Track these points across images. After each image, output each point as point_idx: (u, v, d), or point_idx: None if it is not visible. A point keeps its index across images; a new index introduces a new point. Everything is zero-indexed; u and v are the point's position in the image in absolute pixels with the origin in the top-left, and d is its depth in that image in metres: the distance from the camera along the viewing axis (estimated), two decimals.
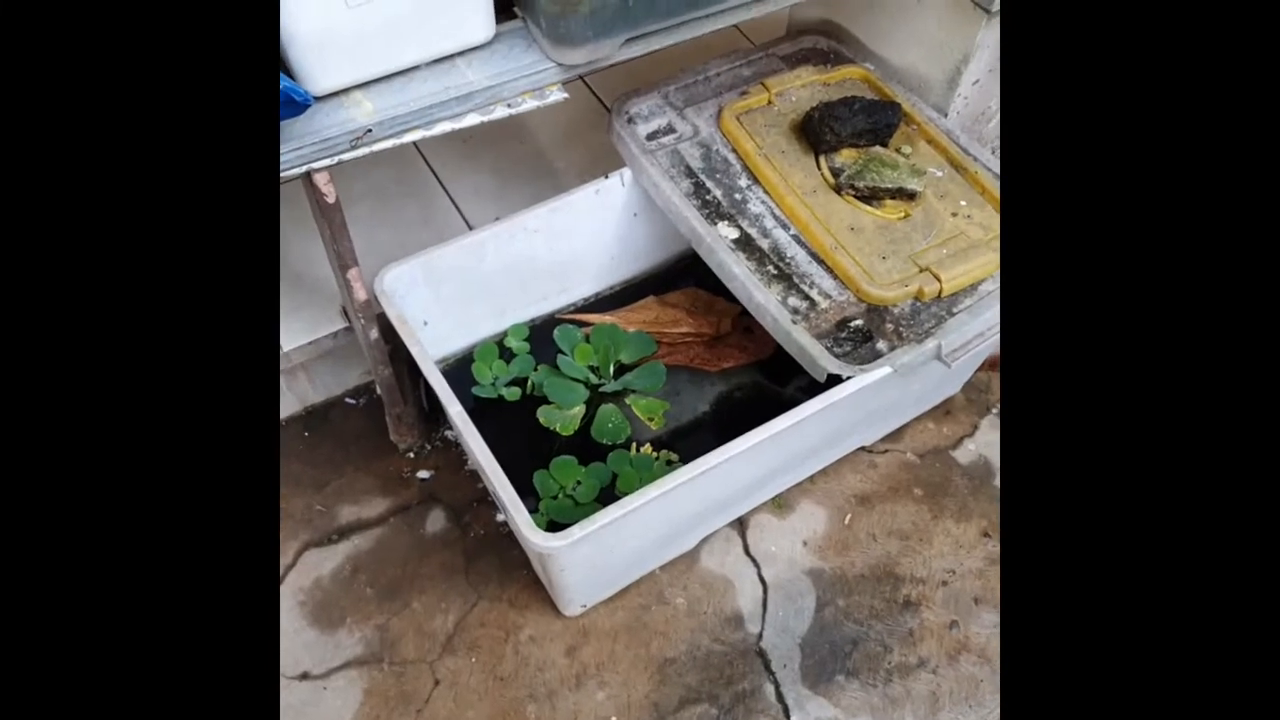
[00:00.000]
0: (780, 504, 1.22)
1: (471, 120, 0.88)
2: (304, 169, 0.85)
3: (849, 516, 1.22)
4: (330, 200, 0.90)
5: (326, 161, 0.85)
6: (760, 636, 1.13)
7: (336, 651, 1.10)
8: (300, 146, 0.83)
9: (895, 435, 1.30)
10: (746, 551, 1.19)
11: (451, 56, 0.88)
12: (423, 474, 1.24)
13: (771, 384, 1.25)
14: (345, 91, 0.85)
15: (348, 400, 1.32)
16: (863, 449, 1.28)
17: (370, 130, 0.84)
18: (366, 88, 0.86)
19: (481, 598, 1.14)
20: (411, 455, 1.26)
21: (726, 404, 1.22)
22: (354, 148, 0.85)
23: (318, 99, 0.84)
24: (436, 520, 1.21)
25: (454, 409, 0.93)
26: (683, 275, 1.31)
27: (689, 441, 1.17)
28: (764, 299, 1.02)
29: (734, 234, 1.07)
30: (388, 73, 0.86)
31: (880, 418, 1.22)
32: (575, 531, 0.86)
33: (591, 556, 0.97)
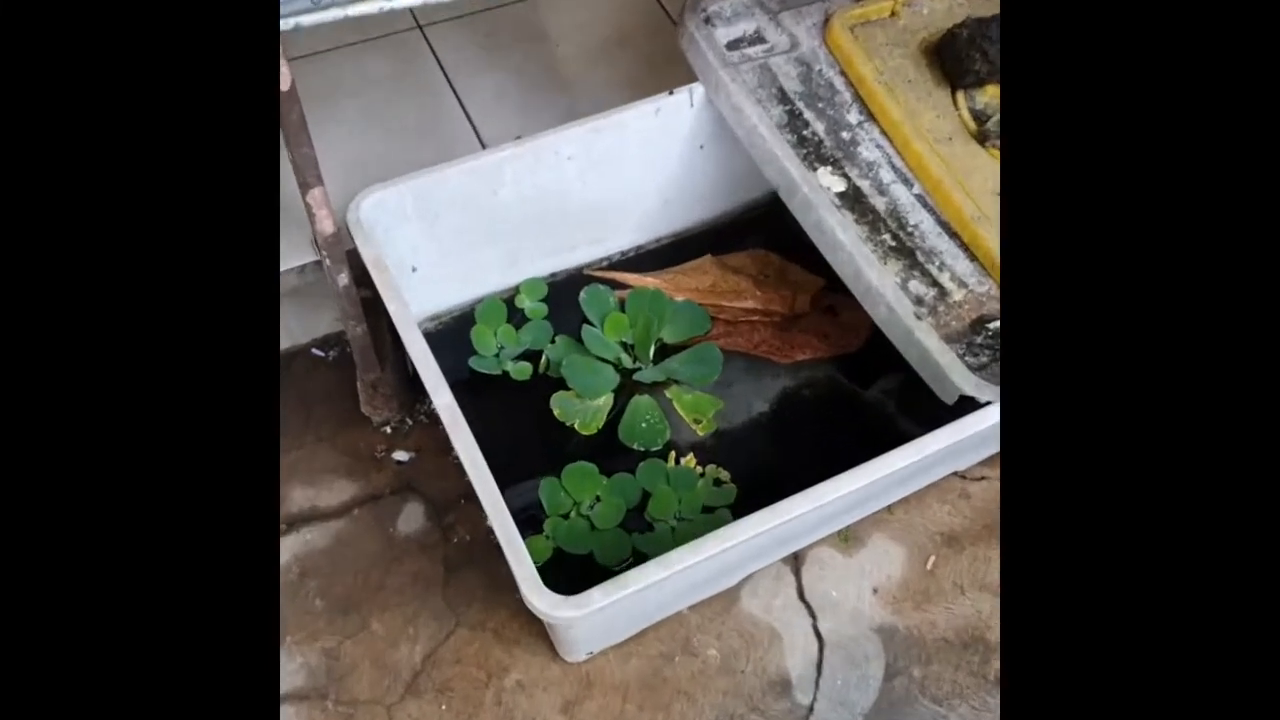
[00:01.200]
0: (847, 537, 0.97)
1: None
2: None
3: (932, 559, 0.97)
4: (284, 85, 0.62)
5: (280, 23, 0.56)
6: (811, 710, 0.88)
7: None
8: None
9: (995, 460, 1.03)
10: (801, 595, 0.94)
11: None
12: (400, 456, 0.98)
13: (851, 382, 0.98)
14: None
15: (315, 351, 1.05)
16: (955, 474, 1.01)
17: None
18: None
19: (460, 624, 0.90)
20: (388, 430, 1.00)
21: (790, 405, 0.96)
22: (321, 7, 0.57)
23: None
24: (412, 517, 0.96)
25: (442, 399, 0.67)
26: (749, 233, 1.04)
27: (740, 451, 0.91)
28: (878, 279, 0.75)
29: (840, 185, 0.80)
30: None
31: (986, 441, 0.96)
32: (596, 597, 0.60)
33: (609, 615, 0.71)
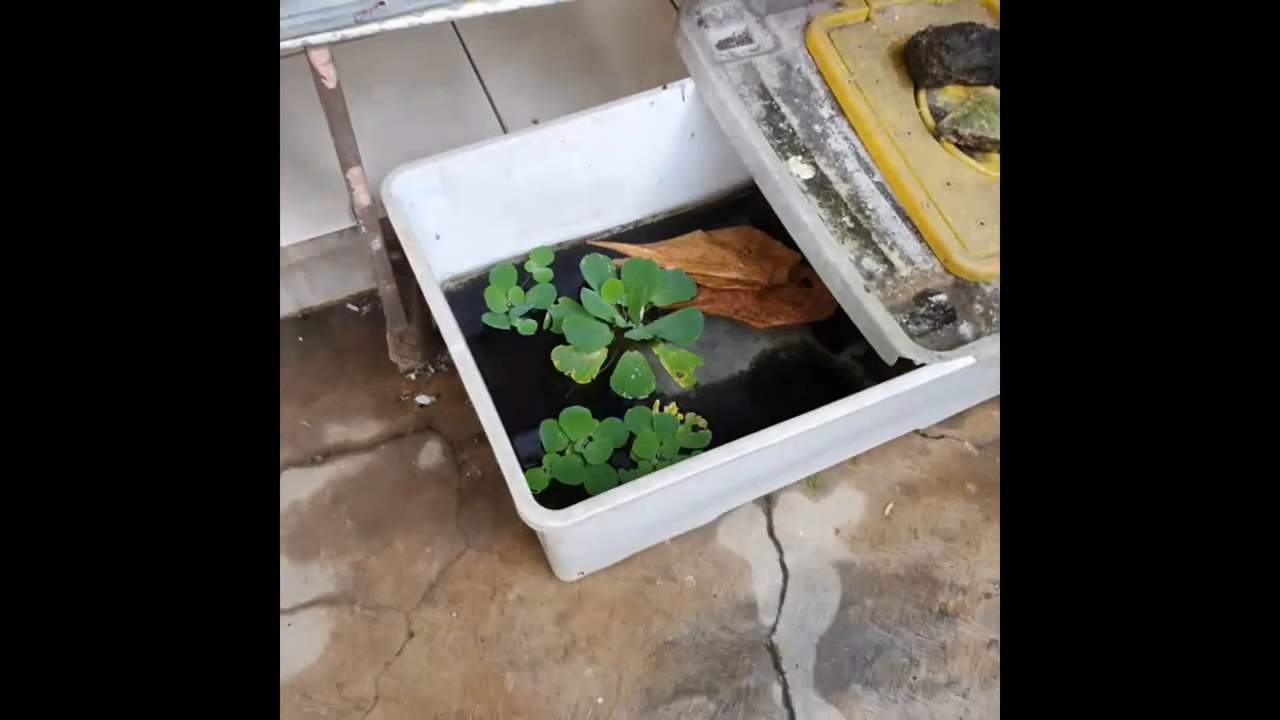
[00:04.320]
0: (815, 484, 1.09)
1: (509, 4, 0.71)
2: (298, 42, 0.69)
3: (890, 506, 1.09)
4: (330, 85, 0.74)
5: (326, 36, 0.69)
6: (773, 630, 1.01)
7: (306, 586, 1.00)
8: (295, 15, 0.67)
9: (955, 420, 1.15)
10: (770, 533, 1.06)
11: None
12: (422, 399, 1.12)
13: (823, 347, 1.10)
14: None
15: (350, 307, 1.19)
16: (916, 431, 1.13)
17: (382, 3, 0.68)
18: None
19: (470, 547, 1.03)
20: (413, 377, 1.13)
21: (768, 366, 1.07)
22: (360, 23, 0.69)
23: None
24: (431, 453, 1.09)
25: (456, 348, 0.80)
26: (738, 211, 1.15)
27: (720, 403, 1.03)
28: (834, 256, 0.86)
29: (808, 173, 0.91)
30: None
31: (943, 402, 1.07)
32: (577, 512, 0.73)
33: (594, 532, 0.84)
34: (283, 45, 0.70)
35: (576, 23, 1.26)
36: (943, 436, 1.14)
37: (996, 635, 1.02)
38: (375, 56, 1.16)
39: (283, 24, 0.68)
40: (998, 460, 1.13)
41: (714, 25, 0.98)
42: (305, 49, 0.71)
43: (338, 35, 0.69)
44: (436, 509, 1.06)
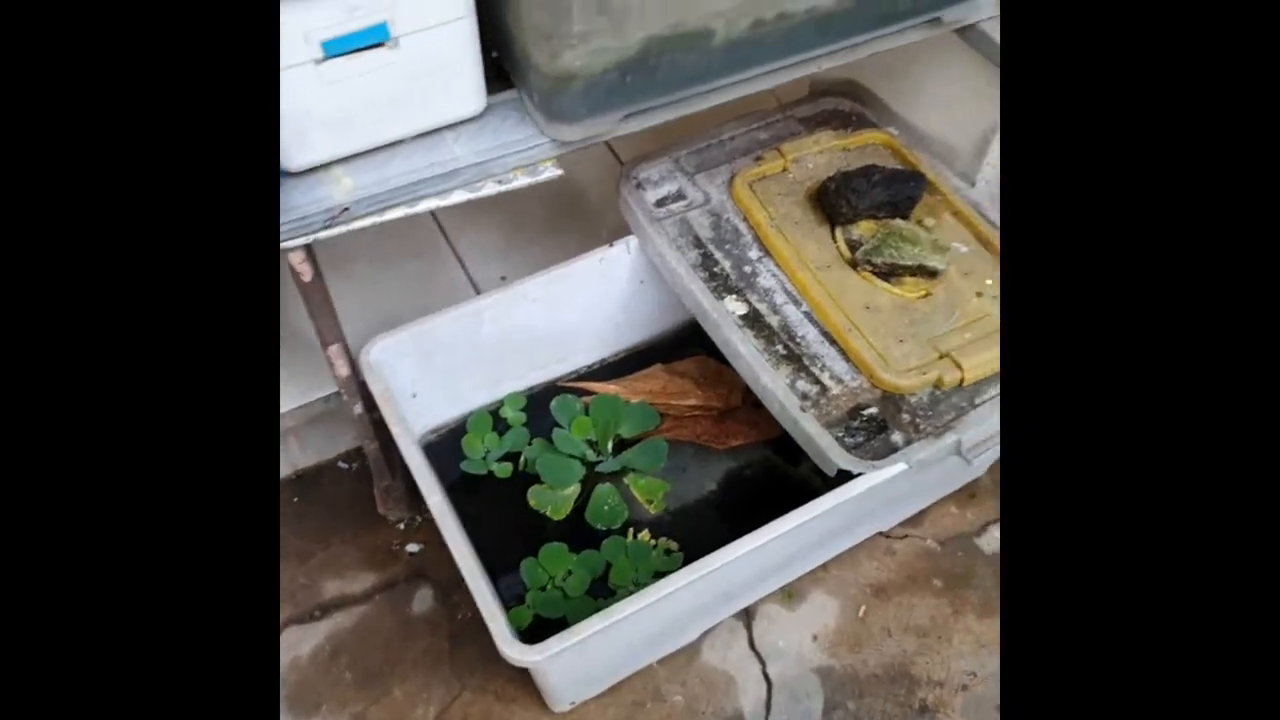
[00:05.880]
0: (790, 594, 1.15)
1: (459, 197, 0.83)
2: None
3: (863, 609, 1.14)
4: (307, 279, 0.85)
5: (300, 240, 0.80)
6: None
7: None
8: None
9: (915, 519, 1.21)
10: (751, 645, 1.11)
11: (440, 130, 0.83)
12: (412, 548, 1.18)
13: (784, 462, 1.17)
14: (324, 167, 0.80)
15: (340, 464, 1.26)
16: (880, 534, 1.20)
17: (348, 209, 0.79)
18: (346, 163, 0.81)
19: (465, 688, 1.08)
20: (401, 527, 1.20)
21: (735, 483, 1.15)
22: (329, 226, 0.80)
23: (292, 175, 0.79)
24: (423, 599, 1.15)
25: (434, 500, 0.88)
26: (690, 342, 1.24)
27: (692, 524, 1.10)
28: (771, 382, 0.95)
29: (742, 309, 1.01)
30: (369, 147, 0.81)
31: (899, 504, 1.15)
32: (553, 644, 0.79)
33: (577, 661, 0.90)
34: None
35: (537, 189, 1.39)
36: (906, 536, 1.21)
37: None
38: (354, 236, 1.28)
39: None
40: (960, 555, 1.19)
41: (650, 187, 1.10)
42: (284, 252, 0.82)
43: (310, 238, 0.80)
44: (431, 654, 1.10)
